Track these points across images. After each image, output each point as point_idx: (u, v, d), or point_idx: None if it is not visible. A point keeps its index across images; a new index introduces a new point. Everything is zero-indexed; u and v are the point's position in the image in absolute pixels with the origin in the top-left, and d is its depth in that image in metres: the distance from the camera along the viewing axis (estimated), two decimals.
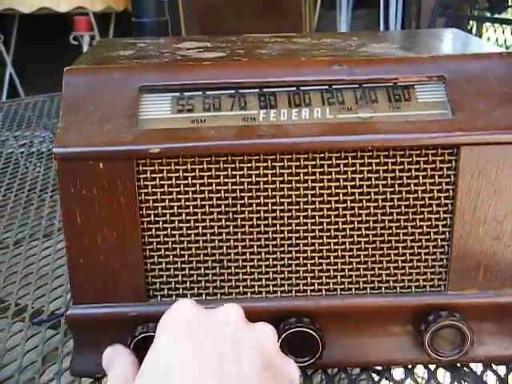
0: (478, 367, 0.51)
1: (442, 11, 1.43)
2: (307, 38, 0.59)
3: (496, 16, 1.37)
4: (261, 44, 0.57)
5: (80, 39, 2.98)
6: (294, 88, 0.48)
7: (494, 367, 0.51)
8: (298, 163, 0.46)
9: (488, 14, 1.49)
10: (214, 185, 0.47)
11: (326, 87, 0.48)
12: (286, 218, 0.48)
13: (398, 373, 0.52)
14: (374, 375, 0.51)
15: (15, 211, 0.83)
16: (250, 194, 0.47)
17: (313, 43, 0.57)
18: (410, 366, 0.51)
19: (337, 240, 0.48)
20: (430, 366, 0.52)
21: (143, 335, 0.48)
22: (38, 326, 0.59)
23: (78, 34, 2.97)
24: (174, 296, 0.49)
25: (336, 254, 0.49)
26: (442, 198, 0.47)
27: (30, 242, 0.75)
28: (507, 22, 1.36)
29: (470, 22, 1.76)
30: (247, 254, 0.48)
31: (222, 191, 0.47)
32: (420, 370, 0.52)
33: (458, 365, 0.51)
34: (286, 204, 0.47)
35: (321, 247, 0.48)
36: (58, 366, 0.53)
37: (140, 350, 0.48)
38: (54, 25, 3.21)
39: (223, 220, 0.47)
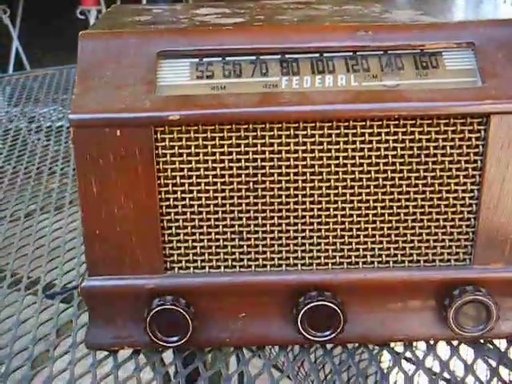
0: (501, 344, 0.50)
1: None
2: (328, 4, 0.57)
3: None
4: (280, 10, 0.55)
5: (87, 13, 2.96)
6: (317, 54, 0.46)
7: None
8: (322, 132, 0.45)
9: None
10: (234, 154, 0.45)
11: (351, 54, 0.46)
12: (308, 189, 0.46)
13: (420, 349, 0.50)
14: (396, 350, 0.50)
15: (26, 183, 0.82)
16: (272, 164, 0.45)
17: (334, 10, 0.55)
18: (432, 343, 0.50)
19: (360, 212, 0.47)
20: (452, 342, 0.50)
21: (160, 308, 0.47)
22: (50, 299, 0.58)
23: (84, 9, 2.94)
24: (191, 268, 0.48)
25: (359, 226, 0.47)
26: (470, 169, 0.46)
27: (41, 214, 0.74)
28: None
29: None
30: (267, 225, 0.47)
31: (243, 160, 0.45)
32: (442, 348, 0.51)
33: (482, 341, 0.50)
34: (308, 174, 0.46)
35: (343, 219, 0.47)
36: (72, 338, 0.52)
37: (156, 322, 0.47)
38: None
39: (243, 190, 0.46)
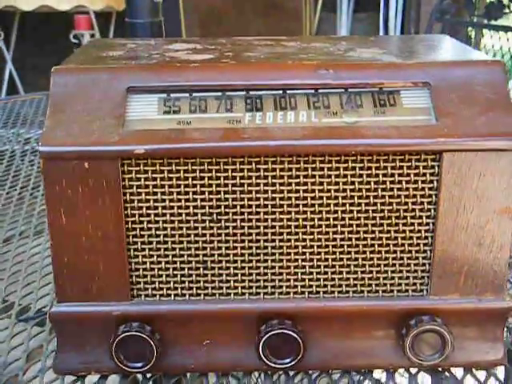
0: (458, 372, 0.51)
1: (439, 17, 1.43)
2: (297, 41, 0.60)
3: (493, 22, 1.38)
4: (250, 47, 0.57)
5: (80, 38, 2.99)
6: (281, 91, 0.48)
7: (475, 372, 0.51)
8: (283, 166, 0.47)
9: (486, 21, 1.49)
10: (198, 186, 0.47)
11: (312, 91, 0.48)
12: (269, 221, 0.48)
13: (378, 375, 0.52)
14: (355, 378, 0.51)
15: (7, 208, 0.83)
16: (235, 196, 0.47)
17: (302, 47, 0.57)
18: (391, 370, 0.52)
19: (320, 243, 0.49)
20: (411, 369, 0.52)
21: (125, 334, 0.48)
22: (24, 322, 0.59)
23: (78, 33, 2.97)
24: (157, 296, 0.50)
25: (319, 256, 0.49)
26: (425, 203, 0.48)
27: (20, 239, 0.76)
28: (503, 29, 1.36)
29: (469, 28, 1.76)
30: (231, 255, 0.49)
31: (207, 192, 0.47)
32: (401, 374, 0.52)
33: (439, 369, 0.52)
34: (270, 206, 0.48)
35: (304, 250, 0.49)
36: (42, 363, 0.53)
37: (122, 348, 0.48)
38: (55, 23, 3.22)
39: (207, 221, 0.48)
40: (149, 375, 0.51)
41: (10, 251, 0.73)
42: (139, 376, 0.52)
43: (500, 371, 0.52)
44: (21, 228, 0.78)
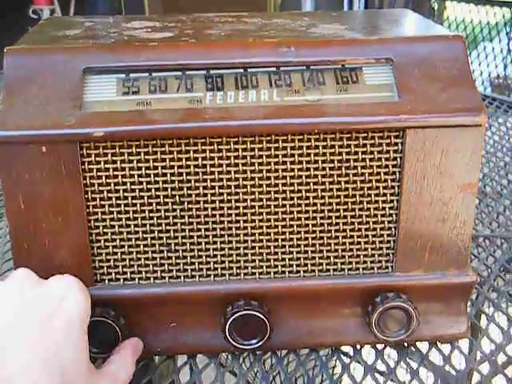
0: (423, 346, 0.52)
1: None
2: (258, 18, 0.59)
3: None
4: (210, 24, 0.56)
5: (40, 13, 2.92)
6: (242, 70, 0.48)
7: (440, 346, 0.52)
8: (245, 146, 0.46)
9: None
10: (160, 168, 0.46)
11: (274, 69, 0.48)
12: (233, 201, 0.47)
13: (346, 352, 0.52)
14: (322, 357, 0.52)
15: None
16: (197, 178, 0.47)
17: (263, 23, 0.56)
18: (358, 347, 0.52)
19: (285, 222, 0.48)
20: (377, 345, 0.52)
21: (90, 320, 0.47)
22: None
23: (37, 8, 2.90)
24: (121, 280, 0.49)
25: (284, 236, 0.49)
26: (389, 181, 0.48)
27: None
28: (464, 0, 1.37)
29: (432, 0, 1.76)
30: (195, 237, 0.48)
31: (169, 174, 0.46)
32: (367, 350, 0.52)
33: (405, 344, 0.52)
34: (233, 187, 0.47)
35: (269, 230, 0.48)
36: None
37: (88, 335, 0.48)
38: None
39: (170, 203, 0.47)
40: None
41: None
42: None
43: (464, 344, 0.53)
44: None
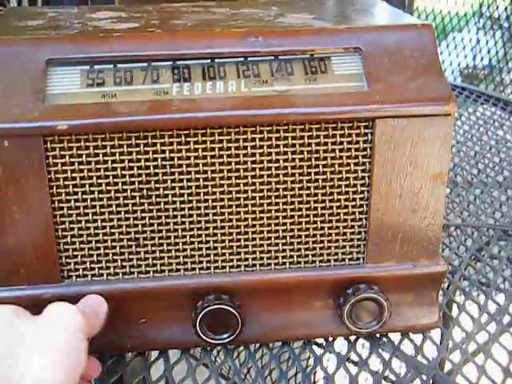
0: (395, 337, 0.52)
1: None
2: (226, 7, 0.58)
3: None
4: (177, 14, 0.55)
5: (6, 3, 2.87)
6: (209, 60, 0.47)
7: (411, 336, 0.52)
8: (213, 138, 0.45)
9: None
10: (126, 161, 0.45)
11: (242, 59, 0.47)
12: (202, 194, 0.47)
13: (320, 344, 0.52)
14: (295, 349, 0.51)
15: None
16: (165, 171, 0.46)
17: (231, 13, 0.55)
18: (330, 339, 0.52)
19: (254, 215, 0.48)
20: (350, 337, 0.52)
21: None
22: None
23: None
24: (89, 276, 0.48)
25: (254, 229, 0.48)
26: (359, 171, 0.47)
27: None
28: None
29: None
30: (163, 231, 0.47)
31: (135, 168, 0.45)
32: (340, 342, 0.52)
33: (377, 335, 0.52)
34: (201, 180, 0.46)
35: (238, 223, 0.48)
36: None
37: None
38: None
39: (138, 197, 0.46)
40: None
41: None
42: None
43: (435, 334, 0.53)
44: None
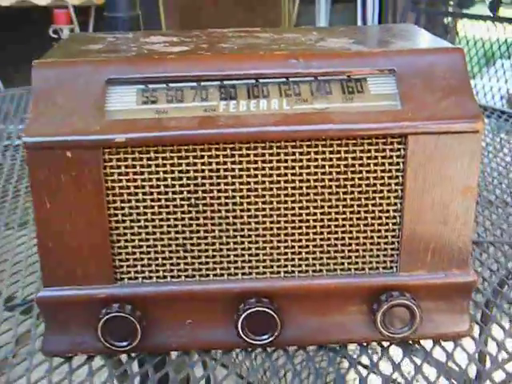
0: (427, 344, 0.54)
1: (412, 7, 1.46)
2: (269, 32, 0.62)
3: (464, 11, 1.41)
4: (224, 38, 0.59)
5: (60, 32, 2.98)
6: (253, 80, 0.51)
7: (442, 343, 0.54)
8: (256, 151, 0.49)
9: (459, 10, 1.52)
10: (176, 172, 0.49)
11: (284, 80, 0.51)
12: (245, 204, 0.50)
13: (353, 350, 0.55)
14: (330, 353, 0.54)
15: None
16: (211, 181, 0.50)
17: (274, 38, 0.59)
18: (364, 344, 0.55)
19: (294, 224, 0.51)
20: (383, 343, 0.55)
21: (110, 315, 0.50)
22: (11, 310, 0.61)
23: (57, 27, 2.97)
24: (140, 278, 0.52)
25: (293, 237, 0.52)
26: (393, 184, 0.50)
27: (6, 230, 0.77)
28: (473, 17, 1.40)
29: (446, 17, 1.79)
30: (209, 237, 0.51)
31: (185, 178, 0.49)
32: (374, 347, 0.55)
33: (409, 342, 0.54)
34: (245, 190, 0.50)
35: (279, 231, 0.51)
36: (30, 346, 0.55)
37: (107, 329, 0.51)
38: (33, 18, 3.21)
39: (186, 206, 0.50)
40: (134, 355, 0.54)
41: None
42: (123, 358, 0.54)
43: (466, 344, 0.55)
44: (6, 220, 0.80)
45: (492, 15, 1.33)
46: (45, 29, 3.04)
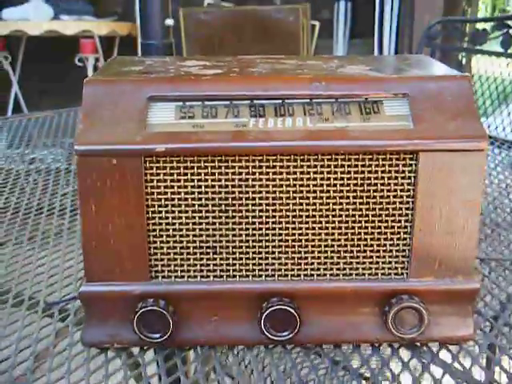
0: (434, 346, 0.59)
1: (427, 42, 1.53)
2: (294, 59, 0.68)
3: (477, 47, 1.47)
4: (253, 64, 0.65)
5: (85, 61, 3.09)
6: (280, 101, 0.56)
7: (449, 347, 0.59)
8: (282, 164, 0.54)
9: (472, 46, 1.58)
10: (209, 180, 0.55)
11: (307, 100, 0.56)
12: (270, 211, 0.56)
13: (365, 349, 0.59)
14: (345, 351, 0.59)
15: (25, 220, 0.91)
16: (241, 189, 0.55)
17: (299, 64, 0.65)
18: (376, 345, 0.59)
19: (314, 231, 0.56)
20: (394, 344, 0.59)
21: (145, 309, 0.55)
22: (50, 308, 0.66)
23: (83, 56, 3.07)
24: (172, 277, 0.57)
25: (313, 243, 0.57)
26: (404, 197, 0.56)
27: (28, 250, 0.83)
28: (485, 53, 1.46)
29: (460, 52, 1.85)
30: (237, 241, 0.56)
31: (217, 186, 0.55)
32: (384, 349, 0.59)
33: (418, 344, 0.59)
34: (270, 198, 0.55)
35: (300, 237, 0.56)
36: (69, 339, 0.60)
37: (142, 322, 0.56)
38: (59, 47, 3.32)
39: (217, 211, 0.56)
40: (157, 354, 0.59)
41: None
42: (141, 360, 0.59)
43: (472, 347, 0.59)
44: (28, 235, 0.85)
45: (504, 51, 1.39)
46: (71, 57, 3.14)
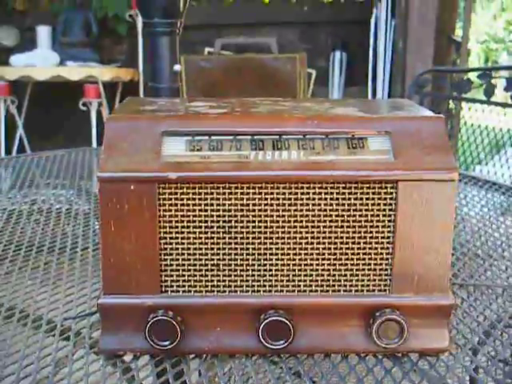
0: (414, 356, 0.66)
1: (416, 90, 1.63)
2: (291, 102, 0.76)
3: (463, 96, 1.56)
4: (254, 104, 0.74)
5: (88, 105, 3.19)
6: (278, 136, 0.64)
7: (428, 358, 0.66)
8: (278, 191, 0.62)
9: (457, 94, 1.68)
10: (215, 205, 0.62)
11: (301, 137, 0.64)
12: (268, 233, 0.63)
13: (352, 359, 0.66)
14: (334, 361, 0.65)
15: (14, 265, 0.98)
16: (242, 213, 0.63)
17: (294, 105, 0.74)
18: (362, 355, 0.66)
19: (307, 251, 0.64)
20: (378, 355, 0.66)
21: (155, 319, 0.62)
22: (69, 320, 0.73)
23: (87, 101, 3.18)
24: (180, 291, 0.64)
25: (306, 262, 0.64)
26: (386, 221, 0.63)
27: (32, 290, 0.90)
28: (470, 100, 1.56)
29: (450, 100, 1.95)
30: (238, 259, 0.64)
31: (221, 210, 0.62)
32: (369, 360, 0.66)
33: (399, 354, 0.66)
34: (268, 221, 0.63)
35: (294, 256, 0.64)
36: (86, 349, 0.67)
37: (153, 331, 0.63)
38: (62, 92, 3.43)
39: (221, 232, 0.63)
40: (153, 367, 0.65)
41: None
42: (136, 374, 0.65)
43: (447, 357, 0.66)
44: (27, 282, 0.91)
45: (487, 99, 1.48)
46: (75, 101, 3.24)
